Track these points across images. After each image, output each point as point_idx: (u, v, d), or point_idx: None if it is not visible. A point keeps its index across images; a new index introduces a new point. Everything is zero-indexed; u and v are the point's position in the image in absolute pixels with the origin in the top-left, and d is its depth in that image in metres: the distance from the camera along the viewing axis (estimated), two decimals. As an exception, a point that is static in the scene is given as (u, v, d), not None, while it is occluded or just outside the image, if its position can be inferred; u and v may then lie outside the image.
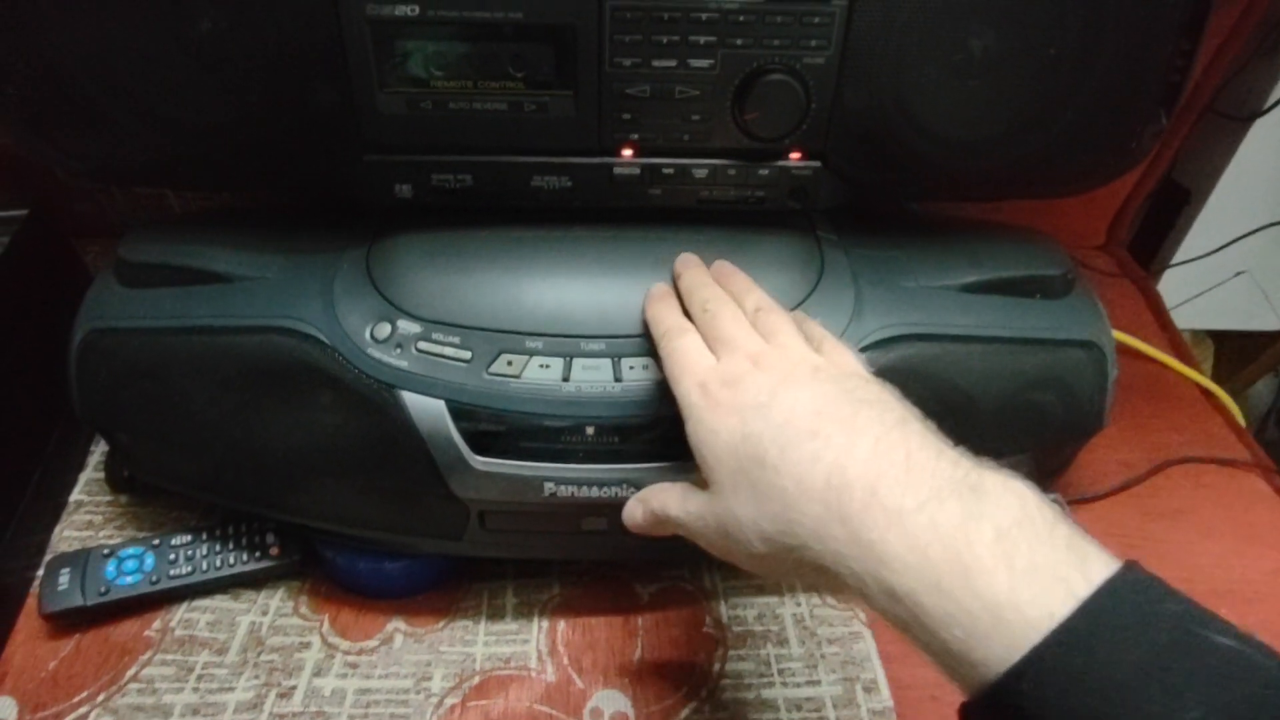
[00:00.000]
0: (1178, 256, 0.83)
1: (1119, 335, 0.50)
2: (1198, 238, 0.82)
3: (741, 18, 0.40)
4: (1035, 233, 0.54)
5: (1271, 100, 0.72)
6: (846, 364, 0.37)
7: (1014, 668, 0.26)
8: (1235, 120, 0.75)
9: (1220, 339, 0.95)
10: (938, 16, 0.40)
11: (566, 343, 0.43)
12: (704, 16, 0.40)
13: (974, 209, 0.64)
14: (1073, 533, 0.28)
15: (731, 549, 0.35)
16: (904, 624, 0.29)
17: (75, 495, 0.56)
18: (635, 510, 0.40)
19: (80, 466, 0.57)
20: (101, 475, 0.56)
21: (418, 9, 0.39)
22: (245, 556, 0.51)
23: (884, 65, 0.41)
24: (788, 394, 0.34)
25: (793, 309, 0.44)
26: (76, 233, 0.63)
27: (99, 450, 0.58)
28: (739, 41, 0.41)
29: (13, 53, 0.39)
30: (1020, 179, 0.47)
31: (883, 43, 0.41)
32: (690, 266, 0.43)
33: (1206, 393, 0.68)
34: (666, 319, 0.41)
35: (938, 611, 0.27)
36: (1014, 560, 0.27)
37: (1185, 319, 0.81)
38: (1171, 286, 0.83)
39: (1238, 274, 0.85)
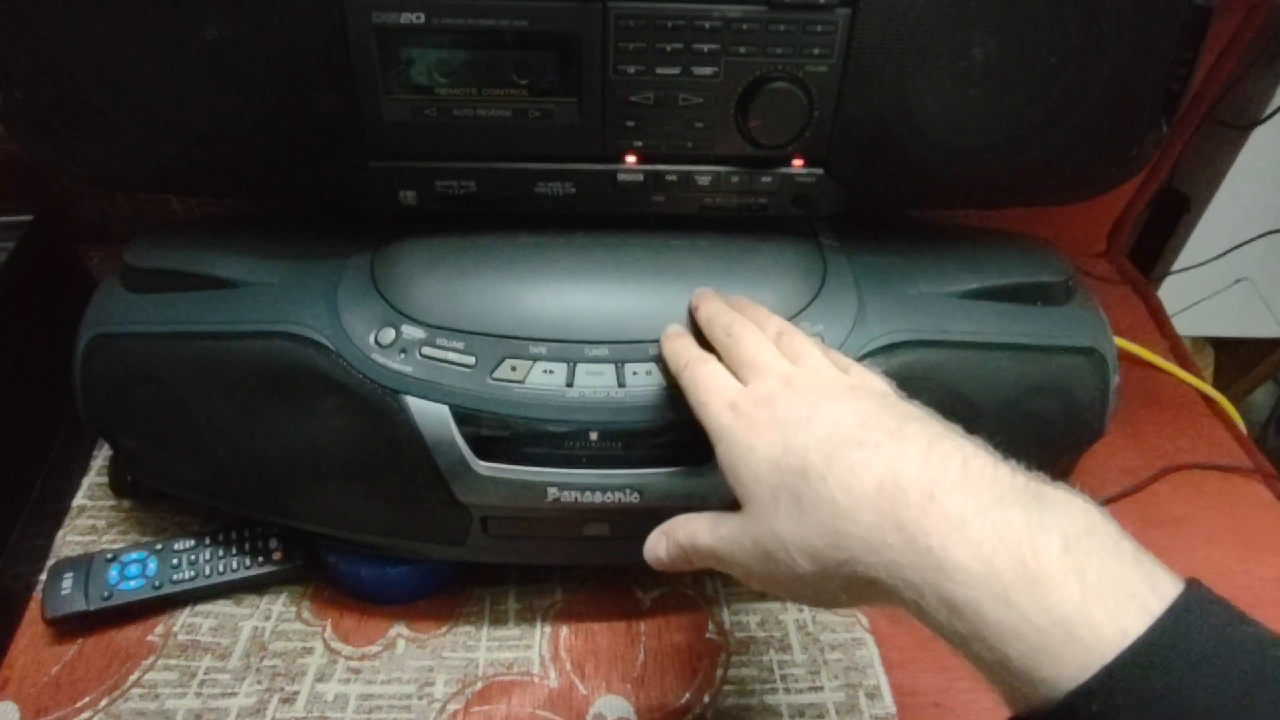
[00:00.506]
0: (1178, 263, 0.84)
1: (1120, 342, 0.50)
2: (1198, 245, 0.82)
3: (745, 26, 0.40)
4: (1036, 239, 0.54)
5: (1271, 108, 0.73)
6: (877, 385, 0.36)
7: (1084, 686, 0.24)
8: (1235, 128, 0.76)
9: (1220, 346, 0.95)
10: (939, 25, 0.40)
11: (570, 348, 0.43)
12: (708, 25, 0.40)
13: (975, 216, 0.65)
14: (1137, 548, 0.27)
15: (774, 572, 0.32)
16: (962, 639, 0.27)
17: (78, 500, 0.56)
18: (659, 545, 0.37)
19: (83, 471, 0.57)
20: (104, 480, 0.56)
21: (423, 17, 0.39)
22: (248, 561, 0.51)
23: (886, 73, 0.41)
24: (829, 408, 0.33)
25: (795, 315, 0.44)
26: (80, 238, 0.63)
27: (102, 455, 0.58)
28: (742, 49, 0.41)
29: (20, 58, 0.40)
30: (1022, 186, 0.47)
31: (885, 51, 0.41)
32: (708, 298, 0.42)
33: (1207, 399, 0.68)
34: (685, 352, 0.39)
35: (1002, 625, 0.26)
36: (1085, 573, 0.25)
37: (1185, 326, 0.82)
38: (1172, 293, 0.84)
39: (1238, 281, 0.85)
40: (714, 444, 0.35)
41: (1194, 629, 0.24)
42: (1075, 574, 0.26)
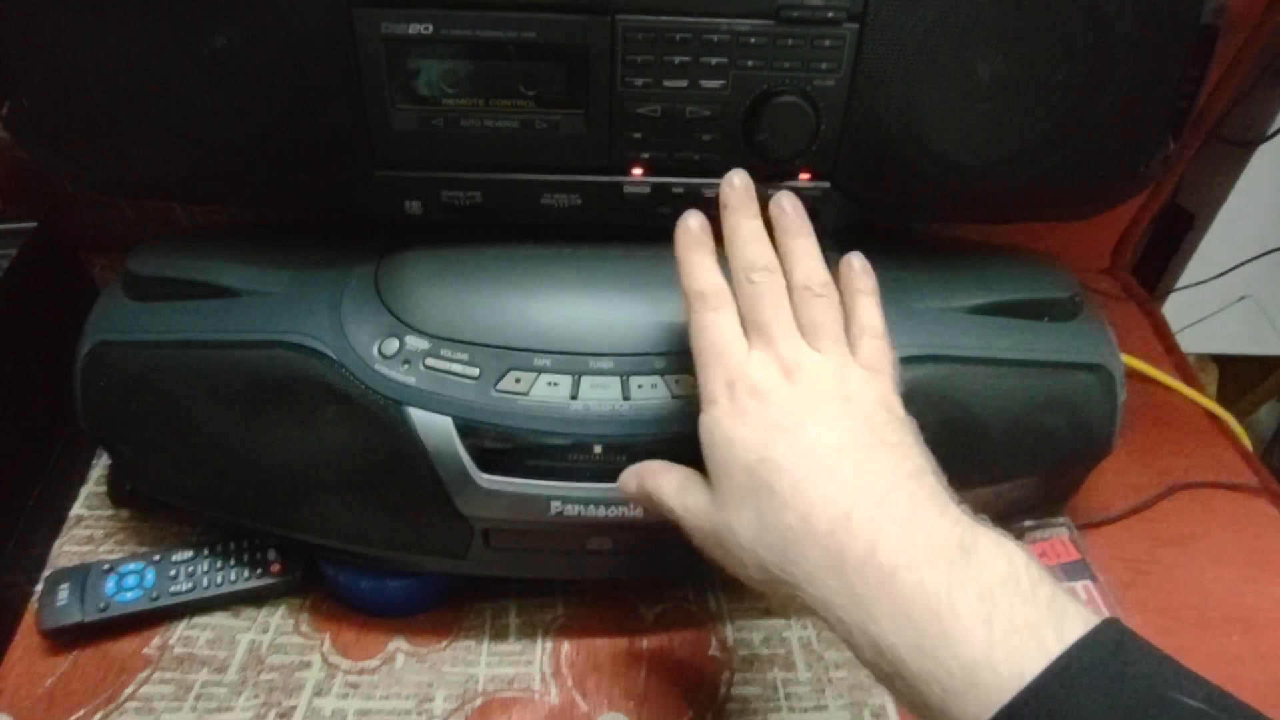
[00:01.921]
0: (1182, 281, 0.84)
1: (1125, 359, 0.50)
2: (1202, 262, 0.82)
3: (753, 40, 0.40)
4: (1042, 255, 0.54)
5: (1275, 126, 0.73)
6: (879, 383, 0.36)
7: None
8: (1239, 146, 0.76)
9: (1224, 363, 0.95)
10: (947, 41, 0.40)
11: (575, 360, 0.42)
12: (715, 38, 0.40)
13: (978, 230, 0.65)
14: (1055, 592, 0.29)
15: (723, 558, 0.35)
16: (886, 676, 0.30)
17: (76, 509, 0.55)
18: (629, 481, 0.39)
19: (82, 480, 0.57)
20: (103, 489, 0.56)
21: (431, 28, 0.39)
22: (246, 573, 0.50)
23: (893, 88, 0.41)
24: (814, 425, 0.33)
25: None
26: (85, 245, 0.63)
27: (101, 464, 0.58)
28: (750, 63, 0.41)
29: (27, 64, 0.40)
30: (1028, 201, 0.47)
31: (892, 66, 0.41)
32: (740, 204, 0.38)
33: (1212, 417, 0.67)
34: (701, 276, 0.36)
35: (918, 669, 0.28)
36: (993, 620, 0.27)
37: (1189, 343, 0.81)
38: (1175, 310, 0.84)
39: (1241, 298, 0.85)
40: (702, 408, 0.35)
41: (1088, 669, 0.26)
42: (984, 622, 0.27)
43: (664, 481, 0.37)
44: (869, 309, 0.37)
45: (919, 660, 0.28)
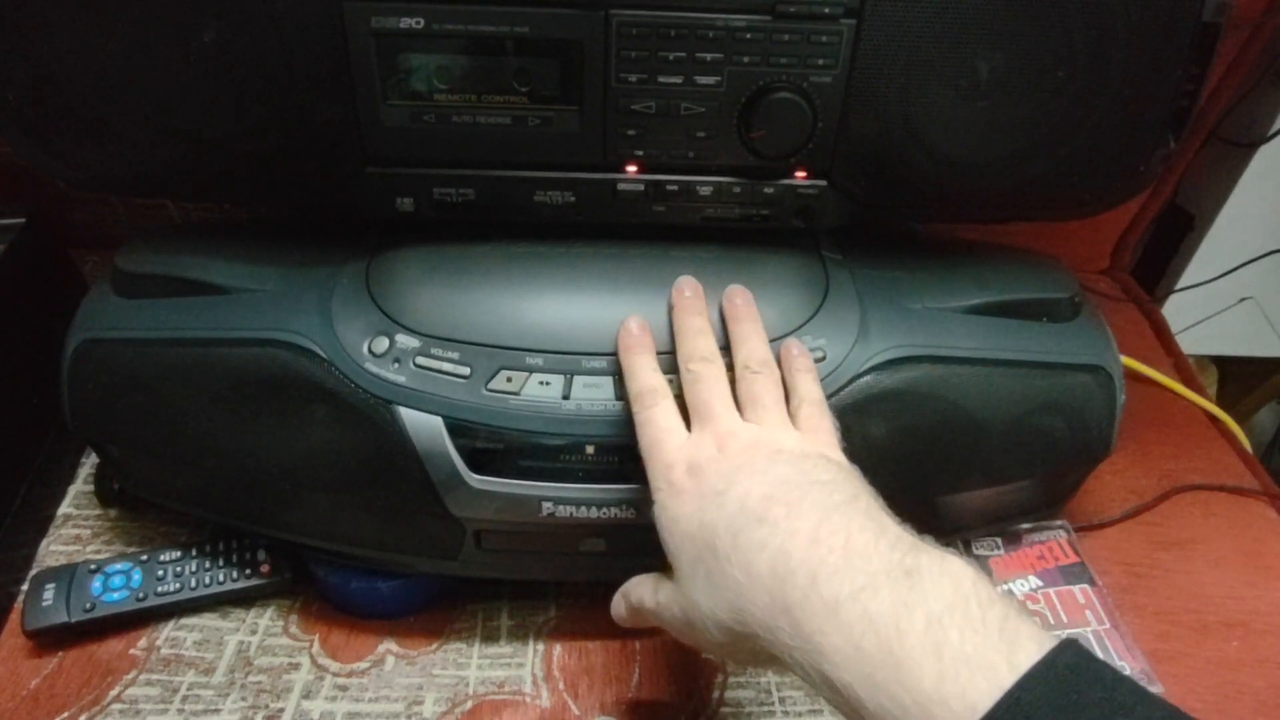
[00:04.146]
0: (1182, 282, 0.83)
1: (1125, 360, 0.49)
2: (1202, 263, 0.82)
3: (749, 35, 0.40)
4: (1041, 255, 0.53)
5: (1276, 127, 0.72)
6: (815, 440, 0.37)
7: None
8: (1239, 146, 0.75)
9: (1224, 365, 0.94)
10: (945, 38, 0.40)
11: (567, 360, 0.42)
12: (711, 34, 0.40)
13: (977, 230, 0.64)
14: (1007, 614, 0.28)
15: (697, 639, 0.35)
16: (847, 714, 0.29)
17: (63, 508, 0.55)
18: (619, 605, 0.41)
19: (69, 479, 0.56)
20: (90, 488, 0.55)
21: (423, 22, 0.39)
22: (235, 574, 0.49)
23: (891, 85, 0.41)
24: (743, 480, 0.34)
25: (798, 329, 0.44)
26: (74, 242, 0.62)
27: (89, 463, 0.57)
28: (745, 59, 0.40)
29: (13, 60, 0.39)
30: (1027, 201, 0.47)
31: (890, 63, 0.40)
32: (686, 304, 0.42)
33: (1212, 419, 0.67)
34: (639, 376, 0.40)
35: (873, 704, 0.28)
36: (943, 651, 0.27)
37: (1189, 344, 0.81)
38: (1175, 311, 0.83)
39: (1242, 300, 0.85)
40: (653, 502, 0.37)
41: (1040, 700, 0.26)
42: (934, 653, 0.27)
43: (643, 590, 0.38)
44: (808, 383, 0.40)
45: (873, 695, 0.28)
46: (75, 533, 0.53)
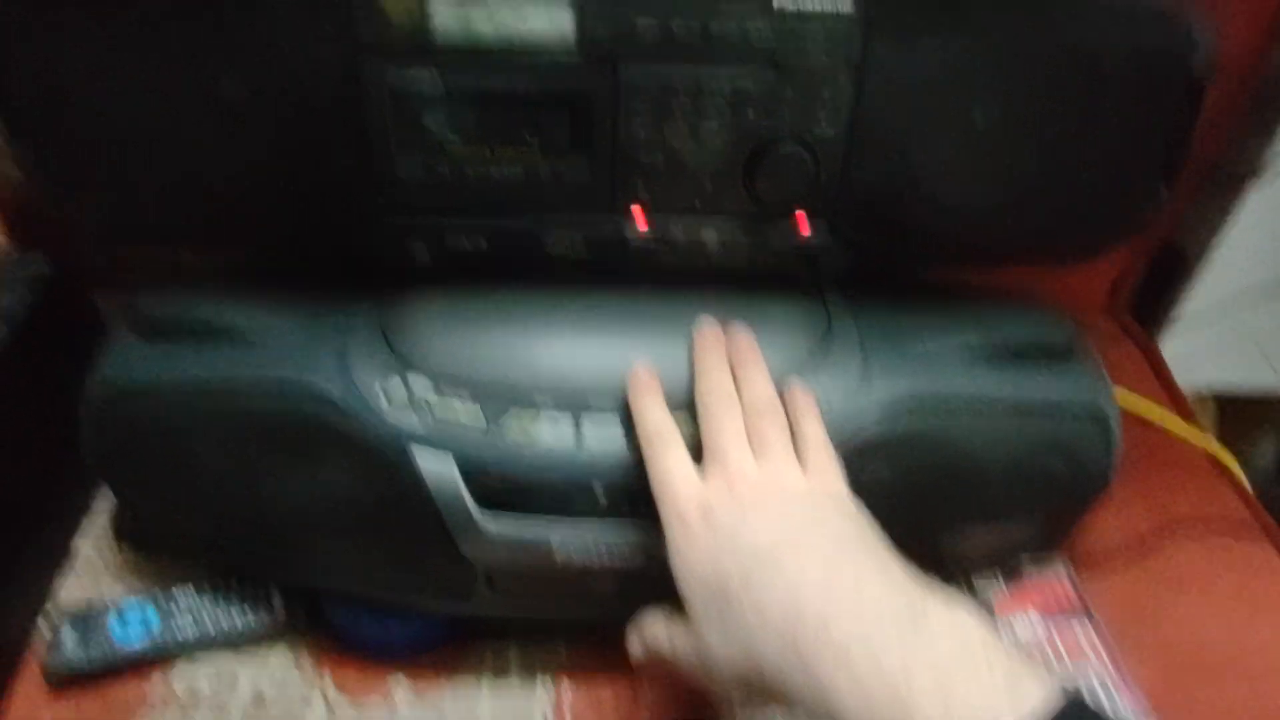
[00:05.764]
0: (1179, 318, 0.84)
1: (1123, 398, 0.50)
2: (1199, 300, 0.83)
3: (753, 89, 0.41)
4: (1039, 297, 0.54)
5: (1269, 163, 0.74)
6: (823, 482, 0.38)
7: None
8: (1233, 182, 0.76)
9: (1223, 402, 0.95)
10: (945, 91, 0.41)
11: (579, 402, 0.43)
12: (716, 87, 0.41)
13: (974, 272, 0.65)
14: (1012, 662, 0.29)
15: (710, 679, 0.36)
16: None
17: (80, 546, 0.55)
18: (635, 645, 0.41)
19: (85, 513, 0.57)
20: (108, 526, 0.56)
21: (438, 78, 0.40)
22: (249, 613, 0.50)
23: (892, 137, 0.42)
24: (753, 521, 0.35)
25: (800, 371, 0.44)
26: (95, 283, 0.64)
27: (106, 500, 0.58)
28: (750, 112, 0.42)
29: (36, 109, 0.40)
30: (1025, 248, 0.48)
31: (891, 116, 0.42)
32: (708, 347, 0.43)
33: (1211, 457, 0.67)
34: (649, 418, 0.40)
35: None
36: (950, 702, 0.28)
37: (1186, 380, 0.82)
38: (1173, 349, 0.84)
39: (1240, 336, 0.85)
40: (667, 546, 0.37)
41: None
42: (941, 703, 0.28)
43: (657, 630, 0.39)
44: (813, 425, 0.40)
45: None
46: (92, 569, 0.54)
